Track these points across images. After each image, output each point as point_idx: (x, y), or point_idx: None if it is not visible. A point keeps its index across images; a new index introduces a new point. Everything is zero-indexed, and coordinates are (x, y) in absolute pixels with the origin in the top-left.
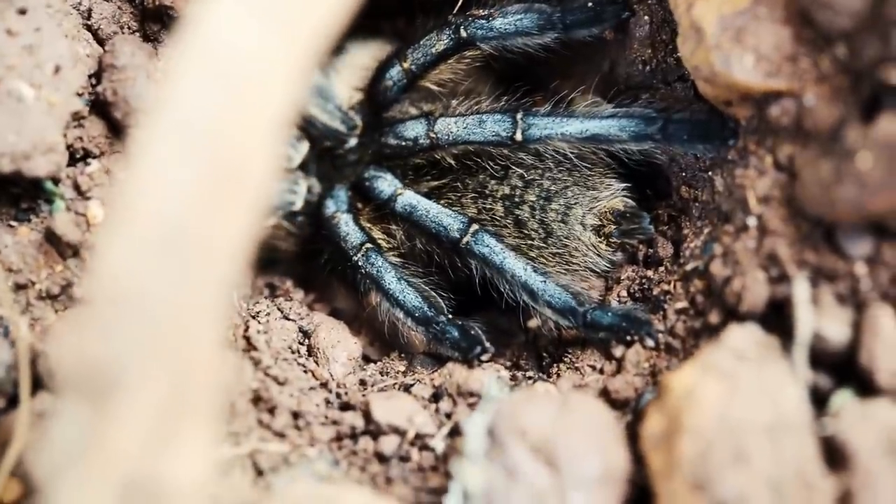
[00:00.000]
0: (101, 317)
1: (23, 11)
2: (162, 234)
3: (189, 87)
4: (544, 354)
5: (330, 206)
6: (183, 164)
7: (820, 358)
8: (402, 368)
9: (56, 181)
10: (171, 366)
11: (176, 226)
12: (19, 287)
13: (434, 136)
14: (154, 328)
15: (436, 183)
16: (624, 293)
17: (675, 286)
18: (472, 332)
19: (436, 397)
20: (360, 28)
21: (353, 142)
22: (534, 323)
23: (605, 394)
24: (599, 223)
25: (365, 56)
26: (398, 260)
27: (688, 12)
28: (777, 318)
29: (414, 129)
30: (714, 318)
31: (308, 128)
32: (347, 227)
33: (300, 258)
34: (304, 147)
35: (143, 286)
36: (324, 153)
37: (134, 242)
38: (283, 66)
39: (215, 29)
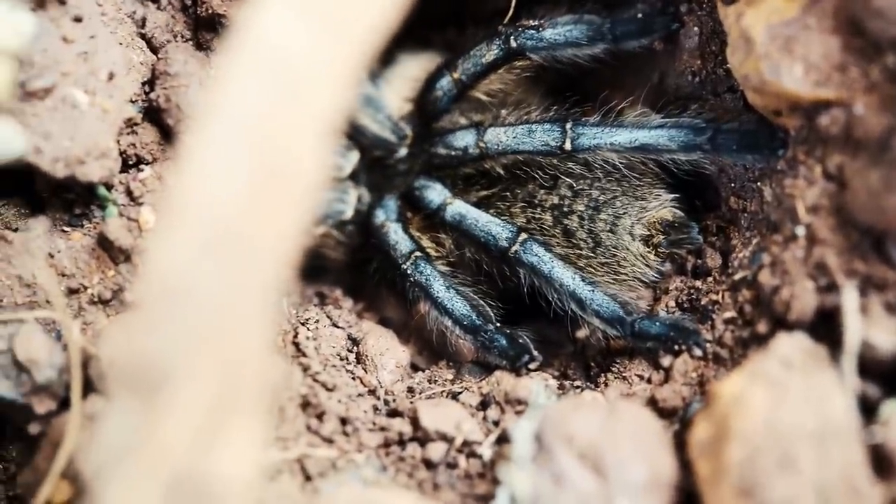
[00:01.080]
0: (151, 314)
1: (78, 19)
2: (212, 235)
3: (239, 90)
4: (592, 364)
5: (380, 216)
6: (233, 166)
7: (869, 367)
8: (451, 377)
9: (109, 187)
10: (219, 364)
11: (225, 226)
12: (72, 291)
13: (484, 145)
14: (203, 326)
15: (485, 192)
16: (672, 303)
17: (723, 296)
18: (520, 341)
19: (483, 405)
20: (411, 39)
21: (403, 152)
22: (582, 333)
23: (652, 403)
24: (648, 233)
25: (415, 67)
26: (447, 269)
27: (737, 22)
28: (826, 328)
29: (464, 139)
30: (762, 327)
31: (358, 137)
32: (397, 236)
33: (349, 267)
34: (355, 156)
35: (192, 285)
36: (374, 163)
37: (184, 242)
38: (332, 69)
39: (265, 32)
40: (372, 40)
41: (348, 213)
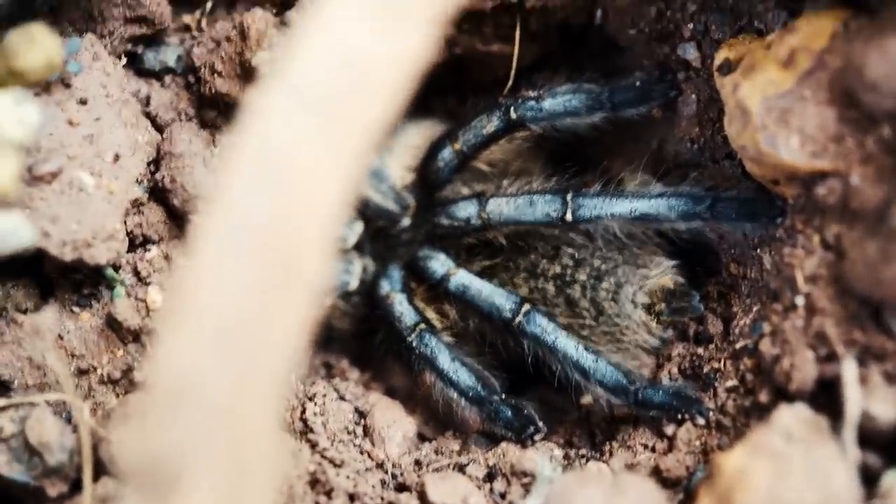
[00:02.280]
0: (160, 411)
1: (83, 101)
2: (219, 328)
3: (243, 183)
4: (597, 432)
5: (384, 286)
6: (239, 258)
7: (869, 437)
8: (457, 447)
9: (116, 267)
10: (230, 459)
11: (233, 319)
12: (81, 372)
13: (486, 216)
14: (213, 422)
15: (488, 262)
16: (675, 370)
17: (725, 364)
18: (526, 412)
19: (490, 477)
20: (412, 107)
21: (406, 221)
22: (586, 400)
23: (656, 472)
24: (650, 301)
25: (417, 135)
26: (452, 339)
27: (733, 93)
28: (826, 397)
29: (466, 210)
30: (764, 396)
31: (362, 208)
32: (402, 308)
33: (355, 336)
34: (359, 227)
35: (202, 380)
36: (378, 233)
37: (192, 336)
38: (335, 166)
39: (268, 125)
40: (375, 132)
41: (354, 284)
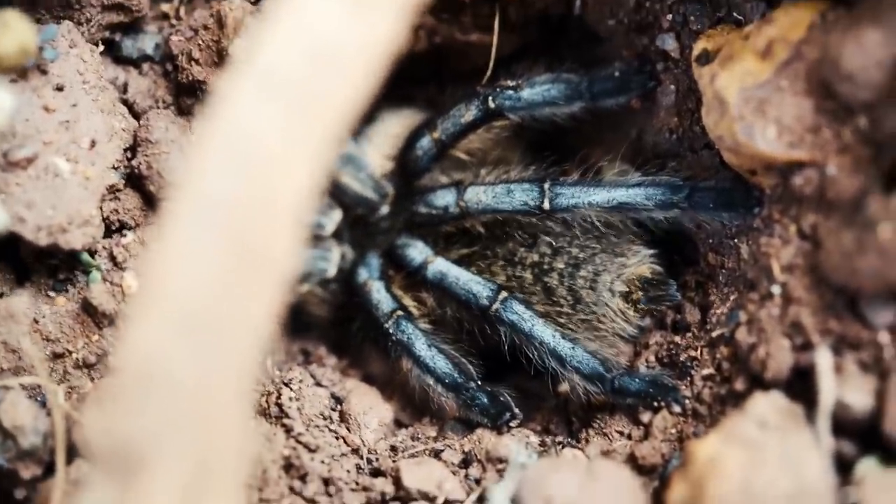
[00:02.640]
0: (128, 395)
1: (60, 88)
2: (188, 313)
3: (212, 174)
4: (574, 419)
5: (362, 274)
6: (207, 243)
7: (844, 426)
8: (433, 434)
9: (92, 253)
10: (197, 443)
11: (201, 304)
12: (56, 356)
13: (464, 204)
14: (181, 406)
15: (466, 251)
16: (652, 358)
17: (701, 353)
18: (501, 399)
19: (465, 463)
20: (391, 96)
21: (384, 210)
22: (563, 387)
23: (632, 460)
24: (627, 290)
25: (396, 124)
26: (429, 326)
27: (711, 84)
28: (801, 386)
29: (444, 198)
30: (739, 385)
31: (340, 196)
32: (379, 295)
33: (333, 324)
34: (337, 215)
35: (169, 364)
36: (356, 221)
37: (161, 321)
38: (303, 151)
39: (237, 111)
40: (345, 117)
41: (331, 272)
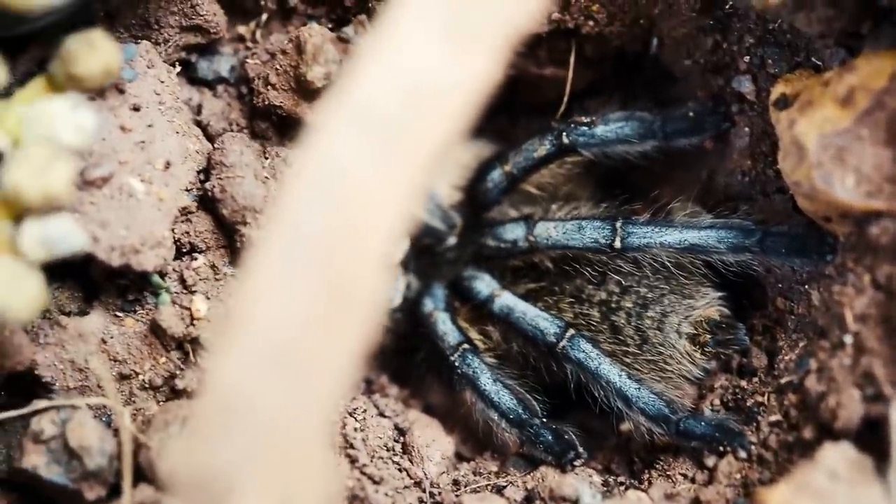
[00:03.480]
0: (213, 427)
1: (136, 108)
2: (275, 346)
3: (305, 202)
4: (636, 459)
5: (428, 304)
6: (297, 276)
7: None
8: (495, 469)
9: (163, 274)
10: (281, 478)
11: (288, 337)
12: (123, 377)
13: (533, 239)
14: (264, 442)
15: (533, 285)
16: (717, 402)
17: (769, 398)
18: (566, 437)
19: (528, 500)
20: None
21: (452, 240)
22: (626, 426)
23: (695, 503)
24: (695, 332)
25: (466, 155)
26: (494, 361)
27: (789, 129)
28: (872, 437)
29: (513, 232)
30: (808, 433)
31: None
32: (445, 327)
33: (395, 352)
34: (404, 244)
35: (255, 397)
36: (423, 250)
37: (247, 353)
38: (396, 184)
39: (332, 144)
40: (437, 155)
41: (397, 301)
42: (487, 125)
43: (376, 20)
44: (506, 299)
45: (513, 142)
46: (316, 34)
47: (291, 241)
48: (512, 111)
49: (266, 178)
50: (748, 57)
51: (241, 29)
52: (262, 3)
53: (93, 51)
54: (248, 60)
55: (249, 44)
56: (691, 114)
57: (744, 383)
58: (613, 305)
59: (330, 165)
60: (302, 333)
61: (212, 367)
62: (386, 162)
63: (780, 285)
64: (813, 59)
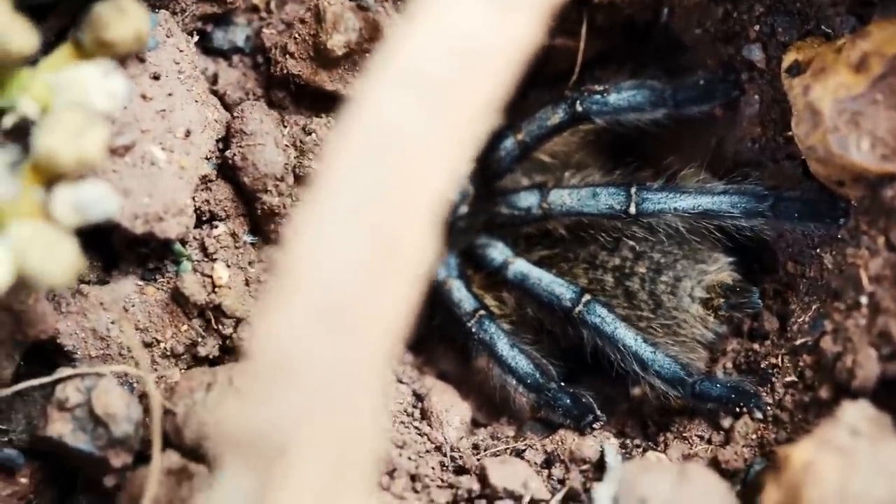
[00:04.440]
0: (266, 384)
1: (156, 77)
2: (325, 308)
3: (353, 166)
4: (649, 422)
5: (441, 272)
6: (349, 234)
7: None
8: (512, 433)
9: (183, 242)
10: (334, 436)
11: (339, 296)
12: (145, 345)
13: (547, 206)
14: (318, 398)
15: (546, 252)
16: (729, 365)
17: (782, 360)
18: (584, 401)
19: (548, 463)
20: None
21: (464, 209)
22: (638, 391)
23: (714, 464)
24: (707, 296)
25: None
26: (510, 327)
27: (803, 95)
28: (888, 396)
29: (527, 200)
30: (824, 393)
31: None
32: (460, 294)
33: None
34: None
35: (307, 357)
36: None
37: (298, 315)
38: (444, 145)
39: (380, 105)
40: (484, 114)
41: None
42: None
43: None
44: (520, 266)
45: (523, 113)
46: (335, 2)
47: (345, 200)
48: (521, 82)
49: (286, 146)
50: (758, 25)
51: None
52: None
53: (123, 16)
54: (263, 30)
55: (264, 14)
56: (702, 82)
57: (756, 346)
58: (627, 271)
59: (379, 124)
60: (354, 290)
61: (264, 326)
62: (436, 121)
63: (790, 249)
64: (823, 26)
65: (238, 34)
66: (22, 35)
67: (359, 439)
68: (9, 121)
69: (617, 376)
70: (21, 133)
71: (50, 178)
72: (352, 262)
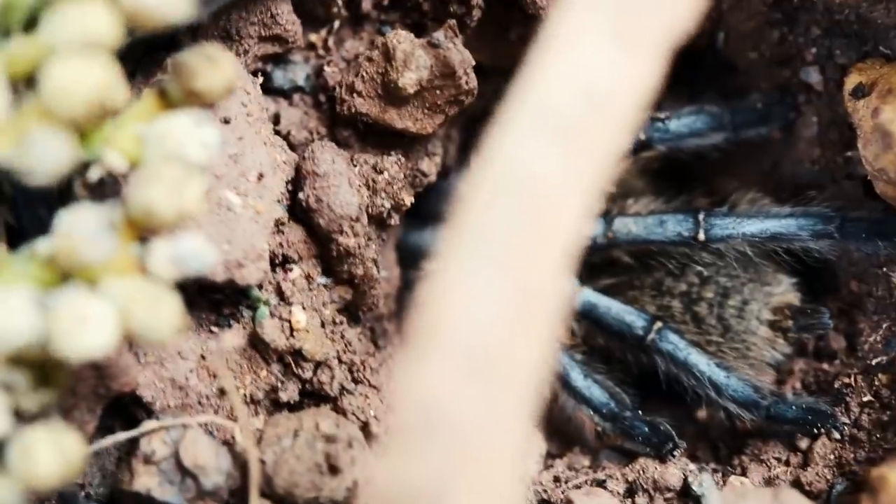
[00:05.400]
0: (418, 441)
1: (226, 121)
2: (473, 354)
3: (493, 207)
4: (720, 445)
5: None
6: (491, 282)
7: None
8: (588, 463)
9: (259, 287)
10: (486, 488)
11: (485, 344)
12: (223, 392)
13: (612, 235)
14: (470, 452)
15: (612, 281)
16: (798, 385)
17: (855, 379)
18: (662, 428)
19: (630, 492)
20: None
21: None
22: (703, 413)
23: (797, 486)
24: (775, 318)
25: None
26: (582, 356)
27: (872, 117)
28: None
29: (592, 229)
30: None
31: None
32: None
33: None
34: None
35: (455, 408)
36: None
37: (446, 361)
38: (579, 185)
39: (515, 149)
40: (615, 154)
41: None
42: None
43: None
44: (587, 295)
45: None
46: (404, 40)
47: (483, 246)
48: None
49: (359, 185)
50: (815, 48)
51: (313, 37)
52: (334, 10)
53: (214, 66)
54: (325, 68)
55: (321, 51)
56: (759, 105)
57: (825, 366)
58: (695, 296)
59: (518, 170)
60: (498, 339)
61: (409, 377)
62: (570, 164)
63: (852, 268)
64: (881, 48)
65: (298, 73)
66: (119, 89)
67: (507, 487)
68: (94, 174)
69: (678, 398)
70: (104, 186)
71: (144, 231)
72: (495, 309)
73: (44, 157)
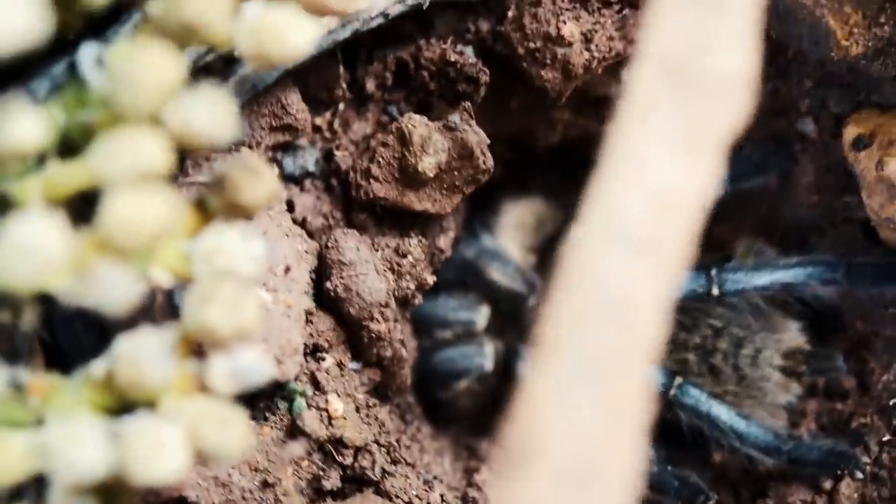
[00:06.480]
0: None
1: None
2: (567, 469)
3: (578, 320)
4: (741, 489)
5: (521, 367)
6: (582, 396)
7: None
8: None
9: (295, 378)
10: None
11: (579, 460)
12: (266, 485)
13: None
14: None
15: None
16: (813, 426)
17: (872, 419)
18: (692, 481)
19: None
20: (508, 184)
21: (533, 301)
22: (718, 457)
23: None
24: (786, 363)
25: (526, 214)
26: None
27: (875, 168)
28: None
29: None
30: None
31: (488, 291)
32: None
33: (480, 413)
34: (486, 310)
35: None
36: (506, 315)
37: (541, 478)
38: (655, 292)
39: (593, 261)
40: (684, 259)
41: (489, 367)
42: (533, 182)
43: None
44: None
45: (564, 197)
46: (419, 124)
47: (572, 360)
48: (563, 166)
49: (384, 270)
50: (808, 99)
51: (318, 120)
52: (338, 92)
53: (257, 179)
54: (335, 152)
55: (328, 134)
56: (756, 156)
57: (838, 405)
58: (709, 348)
59: (597, 283)
60: (593, 452)
61: (507, 494)
62: (642, 271)
63: (857, 309)
64: (873, 97)
65: (308, 158)
66: (176, 216)
67: None
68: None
69: (693, 443)
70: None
71: (194, 348)
72: (588, 423)
73: (113, 291)
